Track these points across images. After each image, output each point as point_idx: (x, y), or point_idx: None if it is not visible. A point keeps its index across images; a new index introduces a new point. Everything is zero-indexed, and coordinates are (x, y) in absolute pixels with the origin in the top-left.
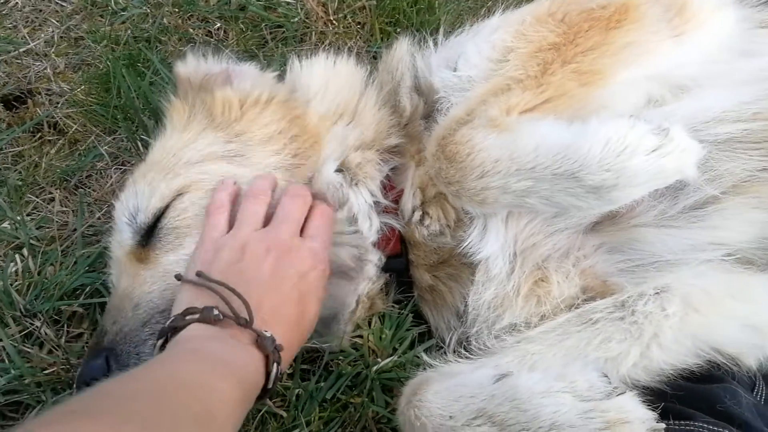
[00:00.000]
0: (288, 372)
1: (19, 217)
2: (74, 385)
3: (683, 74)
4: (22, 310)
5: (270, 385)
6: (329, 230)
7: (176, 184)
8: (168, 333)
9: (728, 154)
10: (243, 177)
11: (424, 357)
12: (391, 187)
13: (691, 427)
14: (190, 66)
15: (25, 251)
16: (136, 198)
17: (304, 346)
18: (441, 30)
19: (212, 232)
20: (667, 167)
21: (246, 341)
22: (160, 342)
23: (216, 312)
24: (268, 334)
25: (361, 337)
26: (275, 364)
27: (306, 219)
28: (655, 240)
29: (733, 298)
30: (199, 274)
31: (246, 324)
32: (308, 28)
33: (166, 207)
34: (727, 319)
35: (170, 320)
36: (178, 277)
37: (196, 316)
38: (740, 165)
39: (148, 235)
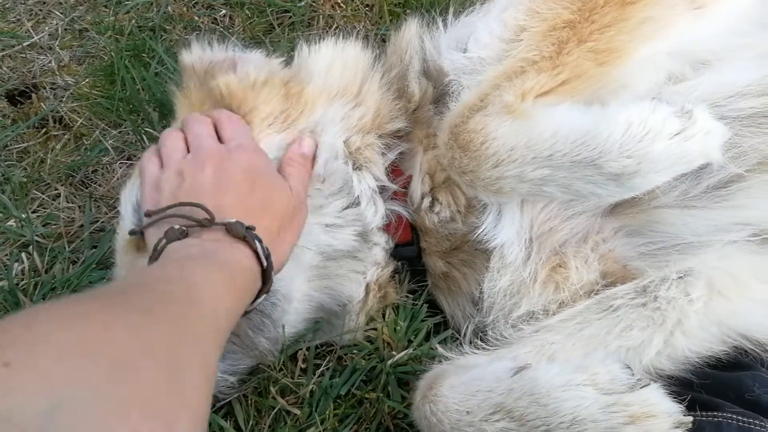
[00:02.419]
0: (302, 367)
1: (24, 215)
2: None
3: (704, 49)
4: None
5: (265, 266)
6: (241, 125)
7: None
8: None
9: (753, 129)
10: None
11: (440, 349)
12: (398, 172)
13: (719, 419)
14: (195, 54)
15: (31, 249)
16: (133, 189)
17: (317, 340)
18: (451, 10)
19: (148, 177)
20: (691, 151)
21: (219, 238)
22: None
23: (177, 227)
24: (233, 220)
25: (375, 329)
26: (257, 242)
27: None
28: (677, 221)
29: (760, 280)
30: (148, 213)
31: (209, 222)
32: (315, 12)
33: None
34: (755, 303)
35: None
36: (133, 232)
37: (164, 242)
38: (766, 140)
39: None
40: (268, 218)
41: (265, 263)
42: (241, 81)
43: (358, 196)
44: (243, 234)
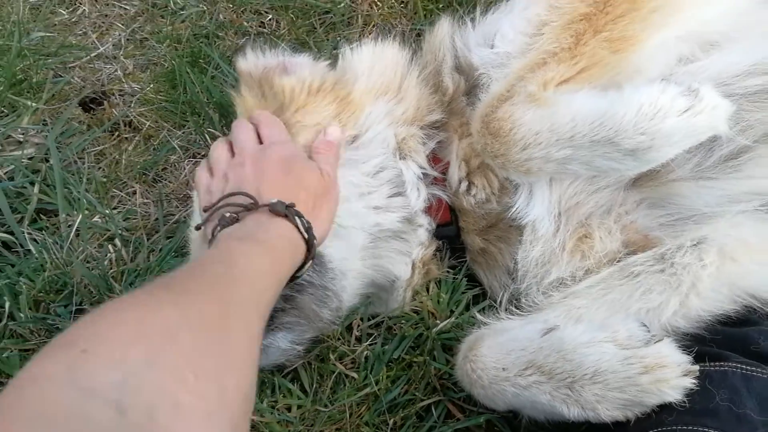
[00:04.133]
0: (356, 335)
1: (107, 211)
2: None
3: (712, 30)
4: (120, 294)
5: (306, 237)
6: (277, 125)
7: None
8: None
9: (758, 105)
10: None
11: (479, 316)
12: (437, 159)
13: (725, 368)
14: (250, 61)
15: (117, 242)
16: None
17: (369, 312)
18: (478, 9)
19: (201, 186)
20: (699, 125)
21: (263, 219)
22: None
23: (228, 214)
24: (274, 200)
25: (420, 302)
26: (296, 217)
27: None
28: (691, 194)
29: None
30: (205, 208)
31: (254, 206)
32: (354, 11)
33: None
34: (763, 267)
35: None
36: (197, 227)
37: (218, 228)
38: None
39: None
40: (304, 194)
41: (306, 235)
42: (299, 83)
43: (405, 182)
44: (284, 211)
